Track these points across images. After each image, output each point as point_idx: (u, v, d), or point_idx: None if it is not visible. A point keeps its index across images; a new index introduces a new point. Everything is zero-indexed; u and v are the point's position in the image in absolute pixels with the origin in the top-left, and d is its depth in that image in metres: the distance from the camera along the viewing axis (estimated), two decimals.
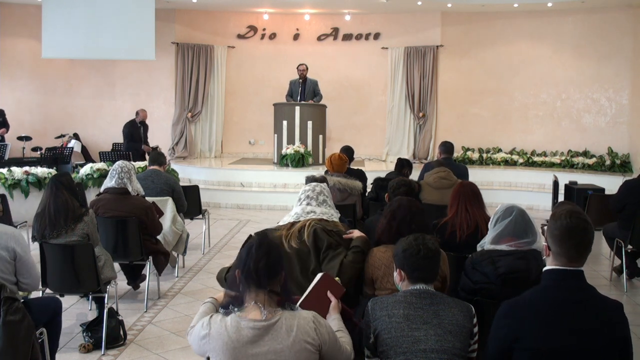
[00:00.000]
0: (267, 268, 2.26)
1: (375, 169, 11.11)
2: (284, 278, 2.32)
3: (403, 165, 6.80)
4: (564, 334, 2.19)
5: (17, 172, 8.35)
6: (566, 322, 2.20)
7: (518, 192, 11.11)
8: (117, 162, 5.42)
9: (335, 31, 13.39)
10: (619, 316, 2.26)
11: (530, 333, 2.21)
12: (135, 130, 11.38)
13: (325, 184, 3.62)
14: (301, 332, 2.25)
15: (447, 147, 7.27)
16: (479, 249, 3.37)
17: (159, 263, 5.41)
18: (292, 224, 3.25)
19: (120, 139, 12.04)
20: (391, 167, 9.06)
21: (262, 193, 10.67)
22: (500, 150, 12.62)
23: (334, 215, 3.36)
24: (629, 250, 5.97)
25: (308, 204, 3.33)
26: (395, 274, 2.60)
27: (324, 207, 3.34)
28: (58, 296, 4.47)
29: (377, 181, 6.24)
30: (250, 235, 3.11)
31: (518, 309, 2.28)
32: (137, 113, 11.65)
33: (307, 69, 11.71)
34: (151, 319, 4.99)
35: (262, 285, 2.26)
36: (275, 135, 11.64)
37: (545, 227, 2.38)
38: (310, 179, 4.43)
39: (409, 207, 3.30)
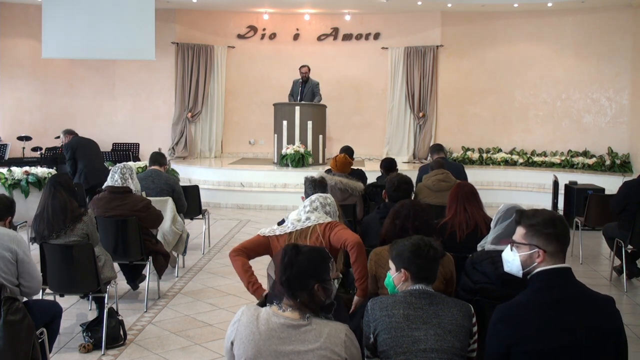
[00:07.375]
0: (289, 282, 2.26)
1: (375, 168, 11.03)
2: (319, 289, 2.26)
3: (393, 167, 6.74)
4: (559, 333, 2.21)
5: (17, 172, 8.35)
6: (560, 321, 2.22)
7: (518, 192, 11.11)
8: (118, 164, 5.46)
9: (335, 31, 13.39)
10: (610, 309, 2.29)
11: (525, 336, 2.23)
12: None
13: (328, 194, 3.75)
14: (329, 340, 2.22)
15: (438, 147, 7.31)
16: (479, 249, 3.39)
17: (159, 265, 5.39)
18: (290, 233, 3.38)
19: (120, 138, 12.03)
20: None
21: (262, 193, 10.66)
22: (500, 150, 12.61)
23: (327, 216, 3.47)
24: (629, 251, 5.97)
25: (305, 212, 3.48)
26: (397, 274, 2.58)
27: (317, 211, 3.47)
28: (58, 296, 4.49)
29: (369, 187, 6.22)
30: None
31: (511, 314, 2.29)
32: None
33: (309, 70, 11.70)
34: (151, 319, 4.99)
35: (289, 295, 2.26)
36: (275, 135, 11.64)
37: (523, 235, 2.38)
38: (309, 180, 4.42)
39: (411, 206, 3.45)
